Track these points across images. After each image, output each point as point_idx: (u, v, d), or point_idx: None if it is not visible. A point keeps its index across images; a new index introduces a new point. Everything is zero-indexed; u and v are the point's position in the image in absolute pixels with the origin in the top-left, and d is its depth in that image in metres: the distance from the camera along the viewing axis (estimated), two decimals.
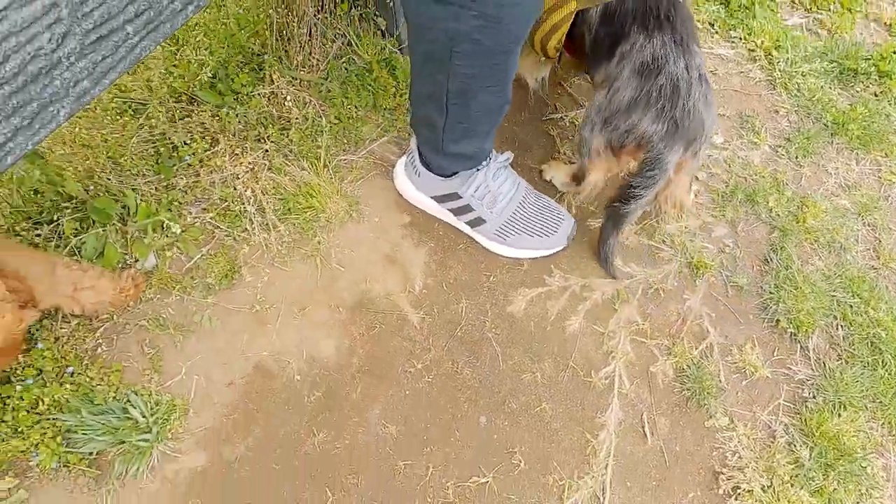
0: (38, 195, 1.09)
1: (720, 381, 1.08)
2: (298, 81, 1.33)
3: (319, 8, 1.34)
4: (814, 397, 1.05)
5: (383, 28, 1.38)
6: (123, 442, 0.97)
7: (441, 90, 0.92)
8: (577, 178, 1.20)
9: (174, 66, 1.22)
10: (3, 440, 0.94)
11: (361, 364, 1.11)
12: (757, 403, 1.06)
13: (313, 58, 1.35)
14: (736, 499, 0.98)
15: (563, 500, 0.98)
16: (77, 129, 1.12)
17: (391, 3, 1.32)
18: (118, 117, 1.16)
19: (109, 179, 1.10)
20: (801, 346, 1.12)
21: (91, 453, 0.97)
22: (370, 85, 1.38)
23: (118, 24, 0.73)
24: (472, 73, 0.87)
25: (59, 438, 0.96)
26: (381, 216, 1.26)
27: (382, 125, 1.36)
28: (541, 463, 1.02)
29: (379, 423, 1.05)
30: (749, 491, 0.97)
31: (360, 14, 1.37)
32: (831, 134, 1.39)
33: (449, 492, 0.99)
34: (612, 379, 1.10)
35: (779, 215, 1.26)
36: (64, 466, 0.96)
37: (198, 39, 1.27)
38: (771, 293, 1.16)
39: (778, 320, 1.13)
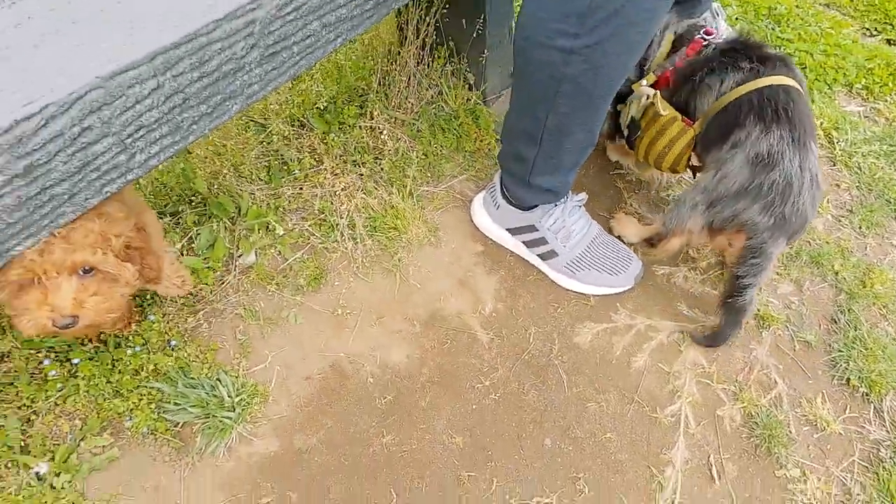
0: (167, 189, 1.24)
1: (790, 431, 1.07)
2: (394, 120, 1.49)
3: (419, 61, 1.53)
4: (891, 458, 1.03)
5: (472, 82, 1.56)
6: (209, 416, 1.03)
7: (539, 126, 1.04)
8: (652, 243, 1.27)
9: (294, 95, 1.40)
10: (106, 399, 1.01)
11: (431, 375, 1.15)
12: (830, 458, 1.04)
13: (409, 101, 1.52)
14: None
15: None
16: (211, 137, 1.29)
17: (482, 62, 1.50)
18: (243, 131, 1.34)
19: (229, 182, 1.25)
20: (874, 407, 1.10)
21: (178, 424, 1.03)
22: (455, 129, 1.53)
23: (289, 44, 0.89)
24: (570, 112, 0.99)
25: (153, 405, 1.03)
26: (457, 244, 1.36)
27: (463, 164, 1.50)
28: (606, 492, 1.02)
29: (445, 433, 1.08)
30: None
31: (453, 69, 1.55)
32: (894, 209, 1.44)
33: None
34: (678, 418, 1.10)
35: (845, 279, 1.29)
36: (152, 434, 1.02)
37: (315, 76, 1.46)
38: (840, 351, 1.17)
39: (849, 378, 1.13)
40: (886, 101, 1.70)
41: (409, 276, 1.29)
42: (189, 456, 1.02)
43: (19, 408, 1.00)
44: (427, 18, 1.45)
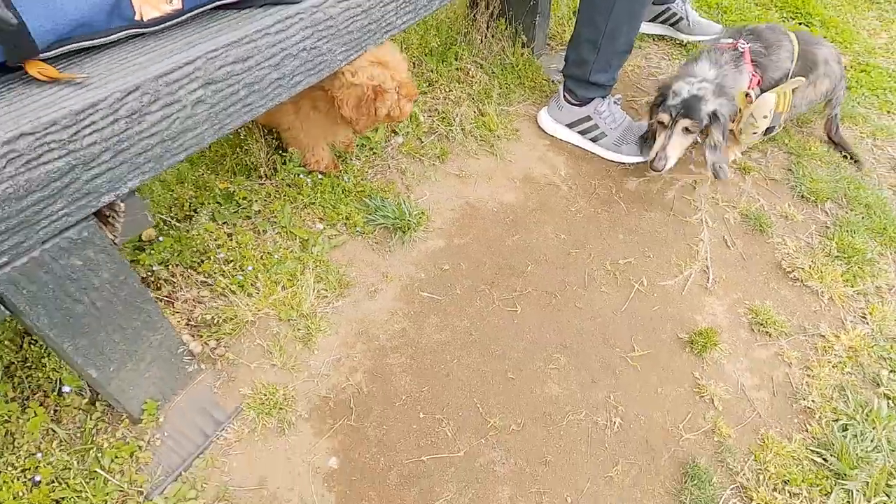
0: None
1: (771, 220, 1.66)
2: (476, 63, 2.09)
3: (488, 25, 2.15)
4: (833, 228, 1.62)
5: (524, 41, 2.19)
6: (399, 221, 1.52)
7: (598, 34, 1.65)
8: None
9: (413, 41, 2.00)
10: (334, 206, 1.50)
11: (534, 206, 1.69)
12: (797, 232, 1.63)
13: (483, 52, 2.13)
14: (793, 276, 1.50)
15: (683, 271, 1.51)
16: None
17: (533, 27, 2.14)
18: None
19: None
20: (819, 207, 1.71)
21: (377, 228, 1.52)
22: (518, 72, 2.14)
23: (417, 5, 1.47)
24: (620, 20, 1.61)
25: (361, 214, 1.51)
26: (531, 139, 1.93)
27: (524, 95, 2.09)
28: (664, 256, 1.56)
29: (553, 233, 1.61)
30: (801, 268, 1.50)
31: (510, 32, 2.18)
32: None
33: (603, 270, 1.52)
34: (701, 219, 1.67)
35: (793, 147, 1.93)
36: (362, 233, 1.50)
37: (428, 31, 2.06)
38: (796, 181, 1.78)
39: (803, 194, 1.74)
40: None
41: (504, 155, 1.84)
42: (388, 246, 1.51)
43: (288, 202, 1.46)
44: None
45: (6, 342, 1.06)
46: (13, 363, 1.06)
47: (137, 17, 0.86)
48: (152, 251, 1.27)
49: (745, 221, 1.68)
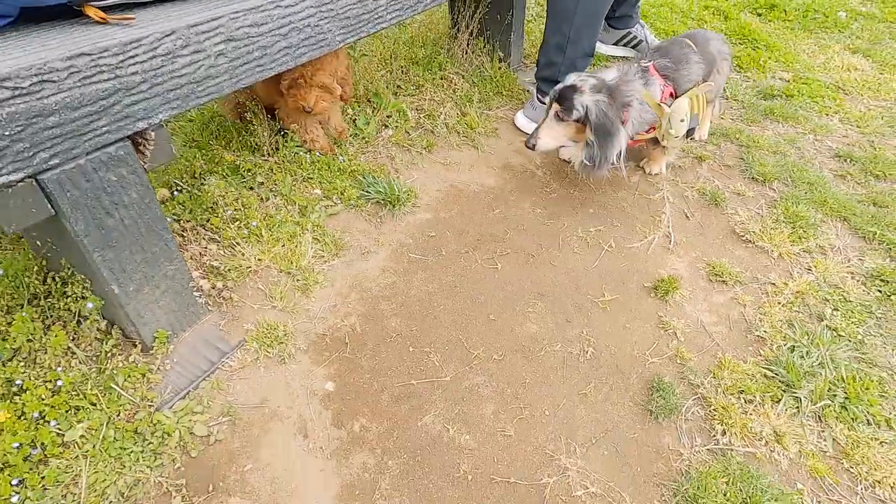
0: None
1: (725, 197, 1.84)
2: (457, 73, 2.32)
3: (468, 42, 2.41)
4: (780, 204, 1.80)
5: (501, 57, 2.44)
6: (390, 197, 1.67)
7: (564, 39, 1.90)
8: None
9: (400, 52, 2.23)
10: (330, 181, 1.65)
11: (513, 188, 1.86)
12: (749, 205, 1.81)
13: (464, 65, 2.37)
14: (746, 238, 1.66)
15: (648, 236, 1.66)
16: (369, 72, 2.06)
17: (509, 44, 2.40)
18: (382, 66, 2.12)
19: (387, 89, 2.01)
20: (768, 186, 1.90)
21: (371, 200, 1.67)
22: (495, 83, 2.38)
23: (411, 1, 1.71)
24: (582, 25, 1.85)
25: (355, 189, 1.67)
26: (508, 137, 2.13)
27: (501, 102, 2.32)
28: (629, 225, 1.72)
29: (531, 209, 1.77)
30: (752, 232, 1.66)
31: (488, 49, 2.44)
32: (762, 112, 2.36)
33: (575, 236, 1.68)
34: (663, 197, 1.85)
35: (743, 141, 2.15)
36: (355, 206, 1.65)
37: (414, 43, 2.30)
38: (747, 166, 1.98)
39: (753, 177, 1.94)
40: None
41: (484, 148, 2.03)
42: (379, 217, 1.65)
43: (289, 174, 1.62)
44: (475, 15, 2.36)
45: (34, 275, 1.17)
46: (37, 295, 1.16)
47: None
48: (165, 208, 1.40)
49: (702, 198, 1.86)
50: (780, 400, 1.19)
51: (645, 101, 1.68)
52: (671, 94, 1.72)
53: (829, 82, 2.62)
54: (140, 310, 1.14)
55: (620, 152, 1.66)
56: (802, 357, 1.26)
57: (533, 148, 1.70)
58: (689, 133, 1.82)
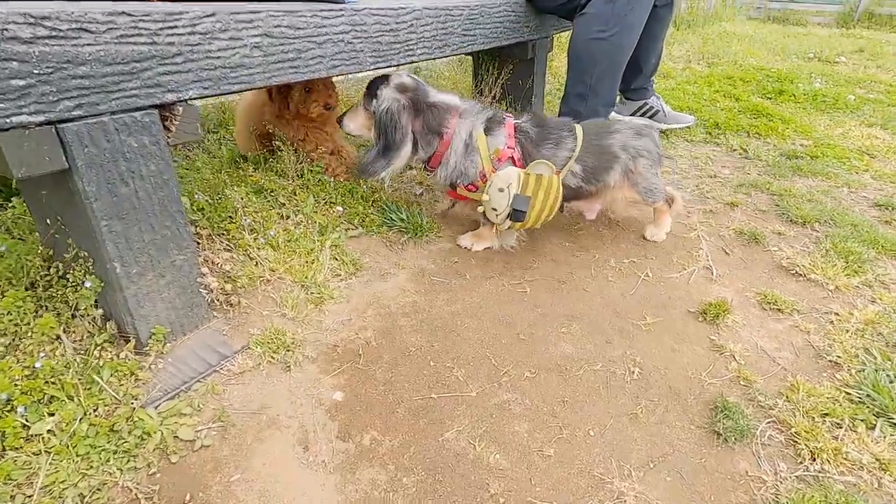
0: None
1: (766, 236, 1.73)
2: None
3: (490, 104, 2.52)
4: (826, 240, 1.69)
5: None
6: (413, 226, 1.62)
7: (586, 88, 1.95)
8: None
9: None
10: (352, 207, 1.61)
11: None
12: (793, 244, 1.69)
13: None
14: (795, 272, 1.53)
15: (687, 268, 1.54)
16: None
17: (530, 105, 2.50)
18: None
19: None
20: (809, 228, 1.80)
21: (392, 228, 1.61)
22: None
23: (473, 31, 1.82)
24: (602, 75, 1.92)
25: (378, 216, 1.62)
26: None
27: None
28: (665, 258, 1.61)
29: (558, 242, 1.68)
30: (802, 265, 1.53)
31: (513, 109, 2.54)
32: (791, 168, 2.33)
33: (608, 266, 1.57)
34: (698, 235, 1.75)
35: (775, 191, 2.09)
36: (376, 233, 1.60)
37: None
38: (784, 211, 1.90)
39: (791, 219, 1.85)
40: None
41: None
42: (401, 243, 1.58)
43: (315, 195, 1.58)
44: (497, 80, 2.49)
45: (36, 261, 1.10)
46: (36, 283, 1.08)
47: None
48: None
49: (740, 236, 1.76)
50: (874, 426, 0.98)
51: (476, 149, 1.48)
52: (514, 161, 1.50)
53: (852, 147, 2.63)
54: (140, 298, 1.04)
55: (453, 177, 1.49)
56: (891, 381, 1.07)
57: (342, 127, 1.59)
58: (517, 217, 1.45)
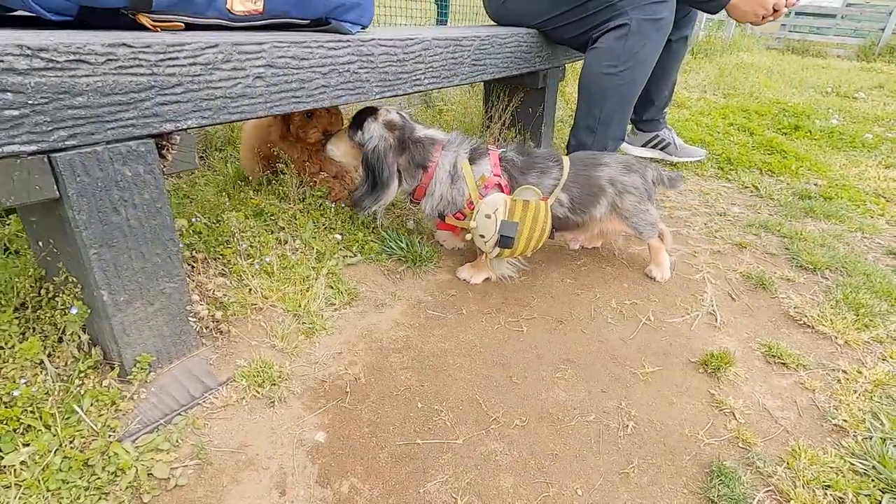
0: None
1: (774, 281, 1.69)
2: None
3: (500, 132, 2.51)
4: (838, 295, 1.64)
5: (532, 146, 2.51)
6: (412, 255, 1.60)
7: (595, 121, 1.93)
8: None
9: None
10: (351, 233, 1.60)
11: (539, 258, 1.77)
12: (801, 292, 1.64)
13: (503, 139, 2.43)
14: (803, 323, 1.48)
15: (690, 312, 1.50)
16: None
17: (540, 133, 2.49)
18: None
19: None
20: (819, 274, 1.74)
21: (391, 256, 1.60)
22: None
23: (482, 62, 1.81)
24: (613, 109, 1.90)
25: (377, 243, 1.61)
26: None
27: None
28: (668, 301, 1.57)
29: (558, 278, 1.65)
30: (810, 316, 1.48)
31: (522, 138, 2.53)
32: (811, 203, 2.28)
33: (609, 308, 1.54)
34: (703, 278, 1.71)
35: (786, 233, 2.05)
36: (375, 261, 1.58)
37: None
38: (793, 255, 1.85)
39: (801, 264, 1.80)
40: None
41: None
42: (399, 273, 1.56)
43: (315, 220, 1.57)
44: (507, 108, 2.48)
45: (27, 283, 1.09)
46: (26, 304, 1.08)
47: (228, 7, 1.11)
48: (181, 237, 1.35)
49: (747, 280, 1.71)
50: (879, 501, 0.93)
51: (462, 178, 1.47)
52: (500, 189, 1.49)
53: (867, 189, 2.57)
54: (126, 325, 1.03)
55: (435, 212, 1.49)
56: None
57: (328, 153, 1.59)
58: (505, 244, 1.43)
